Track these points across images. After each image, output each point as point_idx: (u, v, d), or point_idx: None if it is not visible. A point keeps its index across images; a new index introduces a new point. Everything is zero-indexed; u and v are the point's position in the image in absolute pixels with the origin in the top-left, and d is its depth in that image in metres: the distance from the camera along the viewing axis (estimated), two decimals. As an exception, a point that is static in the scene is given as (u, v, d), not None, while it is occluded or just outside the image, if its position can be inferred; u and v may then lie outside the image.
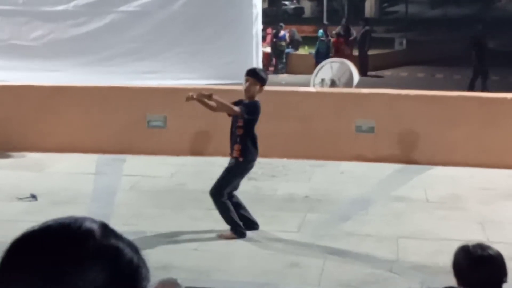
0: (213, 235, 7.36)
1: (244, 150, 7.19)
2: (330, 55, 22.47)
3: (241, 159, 7.22)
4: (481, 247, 3.50)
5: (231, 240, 7.19)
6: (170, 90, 11.19)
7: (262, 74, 7.49)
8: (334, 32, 24.39)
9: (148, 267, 1.19)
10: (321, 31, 25.01)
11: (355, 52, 23.91)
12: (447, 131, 10.28)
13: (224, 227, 7.36)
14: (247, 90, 7.22)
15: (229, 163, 7.35)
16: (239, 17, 12.39)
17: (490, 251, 3.48)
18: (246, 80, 7.24)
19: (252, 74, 7.32)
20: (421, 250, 6.93)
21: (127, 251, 1.17)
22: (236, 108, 7.11)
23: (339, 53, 22.33)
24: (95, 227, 1.16)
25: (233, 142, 7.28)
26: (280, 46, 25.28)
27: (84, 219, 1.18)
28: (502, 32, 32.05)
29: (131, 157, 10.49)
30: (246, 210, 7.44)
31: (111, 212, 7.80)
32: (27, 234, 1.17)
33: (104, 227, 1.17)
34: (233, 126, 7.31)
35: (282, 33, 25.77)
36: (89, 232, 1.15)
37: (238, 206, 7.38)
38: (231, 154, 7.31)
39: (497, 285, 3.43)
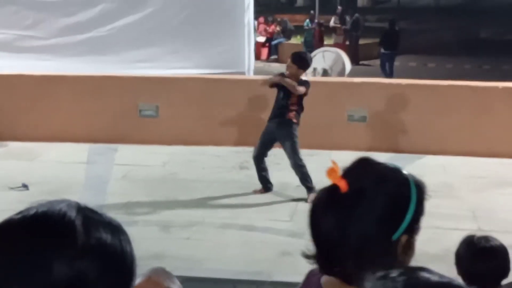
0: (206, 224, 7.37)
1: (297, 116, 8.13)
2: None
3: (295, 120, 8.09)
4: (485, 239, 3.36)
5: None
6: (162, 79, 11.17)
7: (305, 60, 8.39)
8: (332, 21, 24.44)
9: (130, 241, 1.21)
10: (307, 20, 25.02)
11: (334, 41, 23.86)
12: (439, 120, 10.30)
13: (213, 216, 7.36)
14: (292, 75, 8.14)
15: (284, 128, 8.10)
16: (231, 6, 12.35)
17: (493, 243, 3.34)
18: (290, 67, 8.19)
19: (295, 60, 8.23)
20: (413, 239, 6.93)
21: (110, 240, 1.17)
22: (302, 88, 8.06)
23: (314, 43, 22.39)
24: (75, 215, 1.16)
25: (284, 111, 8.11)
26: None
27: (65, 206, 1.18)
28: (495, 21, 32.10)
29: (123, 146, 10.47)
30: (267, 173, 8.38)
31: (103, 201, 7.79)
32: (10, 222, 1.17)
33: (83, 214, 1.17)
34: (284, 99, 8.13)
35: None
36: (72, 224, 1.14)
37: (263, 169, 8.31)
38: (282, 119, 8.11)
39: (498, 279, 3.29)
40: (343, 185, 1.74)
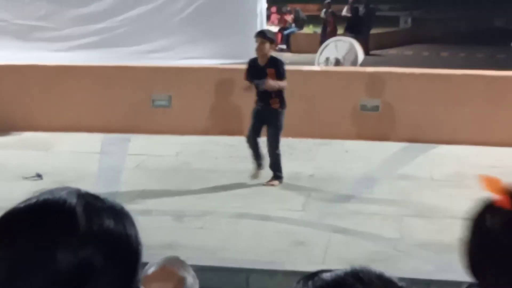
0: (219, 213, 7.39)
1: (282, 101, 8.09)
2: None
3: (280, 110, 8.10)
4: None
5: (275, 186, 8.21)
6: (175, 69, 11.18)
7: (269, 34, 8.52)
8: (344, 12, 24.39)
9: (135, 225, 1.19)
10: (324, 10, 24.94)
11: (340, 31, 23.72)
12: (452, 110, 10.26)
13: (226, 206, 7.38)
14: (259, 49, 8.07)
15: (270, 115, 8.11)
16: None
17: None
18: (256, 41, 8.12)
19: (261, 34, 8.26)
20: (426, 228, 6.94)
21: (113, 225, 1.15)
22: (283, 84, 8.00)
23: (325, 32, 22.34)
24: (76, 202, 1.15)
25: (267, 97, 8.08)
26: None
27: (65, 193, 1.17)
28: (509, 10, 31.83)
29: (136, 136, 10.50)
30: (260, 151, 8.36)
31: (116, 191, 7.83)
32: (12, 212, 1.17)
33: (84, 200, 1.16)
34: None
35: None
36: (72, 211, 1.13)
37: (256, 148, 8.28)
38: (267, 107, 8.11)
39: None
40: (505, 202, 1.54)
